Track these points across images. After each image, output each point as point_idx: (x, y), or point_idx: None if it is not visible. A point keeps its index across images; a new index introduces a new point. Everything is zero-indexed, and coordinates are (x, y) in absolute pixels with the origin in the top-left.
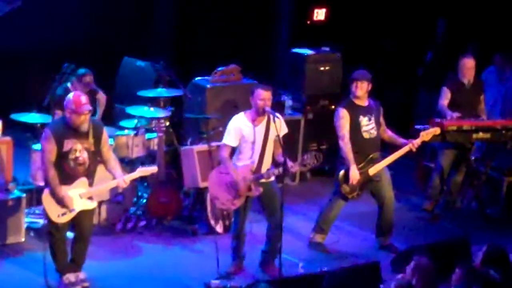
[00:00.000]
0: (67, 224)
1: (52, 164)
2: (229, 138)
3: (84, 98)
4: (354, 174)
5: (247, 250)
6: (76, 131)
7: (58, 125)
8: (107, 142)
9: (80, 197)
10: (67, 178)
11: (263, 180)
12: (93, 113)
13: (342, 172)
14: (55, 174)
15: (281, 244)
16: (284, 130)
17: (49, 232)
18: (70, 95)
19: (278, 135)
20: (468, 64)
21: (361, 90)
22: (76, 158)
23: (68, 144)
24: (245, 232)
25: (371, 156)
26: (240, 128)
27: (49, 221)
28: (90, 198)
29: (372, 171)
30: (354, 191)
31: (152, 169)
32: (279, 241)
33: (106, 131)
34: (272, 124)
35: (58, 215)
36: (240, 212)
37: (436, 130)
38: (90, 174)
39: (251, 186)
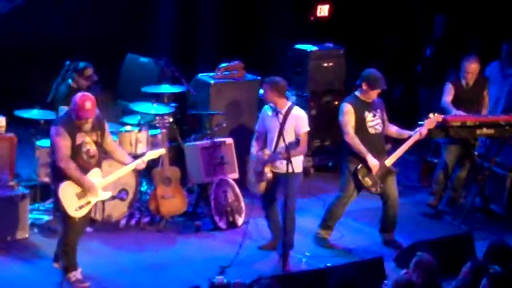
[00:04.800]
0: (85, 220)
1: (70, 158)
2: (257, 124)
3: (88, 104)
4: (373, 162)
5: (251, 245)
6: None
7: (66, 120)
8: (109, 133)
9: (97, 187)
10: (82, 171)
11: (277, 171)
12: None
13: (359, 168)
14: (76, 166)
15: (285, 240)
16: (304, 127)
17: (66, 227)
18: (77, 97)
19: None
20: (469, 69)
21: (376, 95)
22: (88, 150)
23: (79, 138)
24: (276, 214)
25: (384, 148)
26: (263, 116)
27: (66, 216)
28: (104, 188)
29: (388, 162)
30: (376, 184)
31: (160, 151)
32: (285, 235)
33: (106, 123)
34: (291, 118)
35: (76, 209)
36: (264, 199)
37: (438, 117)
38: (100, 166)
39: (262, 172)
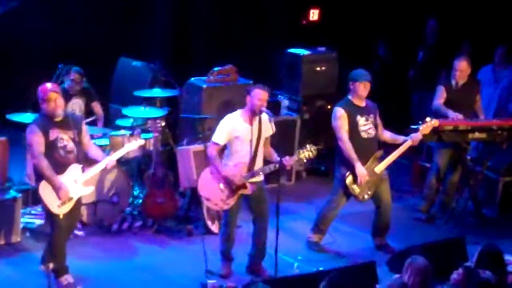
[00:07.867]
0: (70, 221)
1: (43, 155)
2: (219, 136)
3: (49, 85)
4: (361, 172)
5: (245, 249)
6: (57, 123)
7: (40, 118)
8: (87, 132)
9: (76, 182)
10: (60, 166)
11: (253, 180)
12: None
13: (347, 175)
14: (48, 164)
15: (277, 244)
16: (273, 130)
17: (52, 227)
18: (38, 89)
19: (272, 134)
20: (458, 66)
21: (367, 90)
22: (65, 146)
23: (53, 133)
24: (234, 235)
25: (374, 154)
26: (234, 128)
27: (51, 215)
28: (86, 183)
29: (378, 169)
30: (363, 192)
31: (138, 142)
32: (265, 245)
33: (84, 122)
34: (264, 124)
35: (58, 205)
36: (231, 213)
37: (435, 122)
38: (80, 161)
39: (246, 184)
